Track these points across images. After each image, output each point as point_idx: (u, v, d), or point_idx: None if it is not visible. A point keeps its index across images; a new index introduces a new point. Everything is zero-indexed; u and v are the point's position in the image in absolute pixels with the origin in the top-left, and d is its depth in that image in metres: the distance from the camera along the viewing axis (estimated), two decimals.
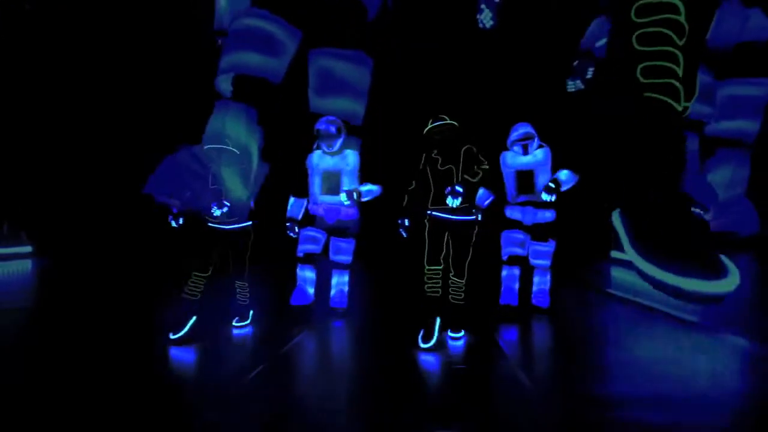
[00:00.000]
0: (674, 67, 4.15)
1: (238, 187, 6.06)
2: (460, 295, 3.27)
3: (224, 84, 6.23)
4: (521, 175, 3.80)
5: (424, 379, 2.60)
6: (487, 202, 3.54)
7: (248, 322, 3.61)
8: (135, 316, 4.15)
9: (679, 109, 4.14)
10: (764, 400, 2.16)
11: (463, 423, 1.99)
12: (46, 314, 4.30)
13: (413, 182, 3.30)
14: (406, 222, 3.39)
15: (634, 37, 4.18)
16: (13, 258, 8.05)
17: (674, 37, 4.08)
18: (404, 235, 3.41)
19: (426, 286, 3.19)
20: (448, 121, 3.17)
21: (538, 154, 3.78)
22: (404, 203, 3.35)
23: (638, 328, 3.71)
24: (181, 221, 3.36)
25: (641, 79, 4.29)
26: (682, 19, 4.07)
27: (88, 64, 8.53)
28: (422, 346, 2.93)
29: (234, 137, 4.89)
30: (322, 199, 3.93)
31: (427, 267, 3.20)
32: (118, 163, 8.15)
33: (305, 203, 3.98)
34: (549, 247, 3.85)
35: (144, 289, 5.55)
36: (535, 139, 3.76)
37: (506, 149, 3.92)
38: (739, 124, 7.65)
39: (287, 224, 3.89)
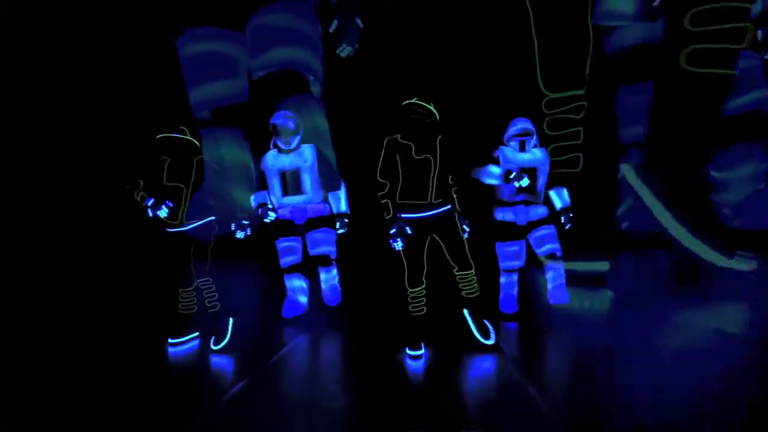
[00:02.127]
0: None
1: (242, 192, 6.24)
2: (473, 287, 2.95)
3: (204, 115, 6.39)
4: (525, 172, 3.54)
5: (423, 380, 2.61)
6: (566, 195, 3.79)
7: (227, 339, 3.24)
8: (137, 315, 4.37)
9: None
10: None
11: (463, 423, 2.04)
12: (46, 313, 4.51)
13: (385, 183, 2.81)
14: (394, 230, 2.78)
15: (544, 124, 5.21)
16: None
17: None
18: (401, 245, 2.81)
19: (410, 306, 2.96)
20: (430, 105, 2.85)
21: (537, 153, 3.62)
22: (386, 212, 2.81)
23: None
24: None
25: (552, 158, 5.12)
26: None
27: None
28: (410, 353, 2.85)
29: (230, 158, 5.37)
30: (284, 201, 3.68)
31: (409, 290, 2.93)
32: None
33: (267, 193, 3.72)
34: (550, 229, 3.67)
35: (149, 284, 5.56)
36: (534, 137, 3.62)
37: (502, 143, 3.71)
38: (754, 95, 6.89)
39: (259, 211, 3.62)
